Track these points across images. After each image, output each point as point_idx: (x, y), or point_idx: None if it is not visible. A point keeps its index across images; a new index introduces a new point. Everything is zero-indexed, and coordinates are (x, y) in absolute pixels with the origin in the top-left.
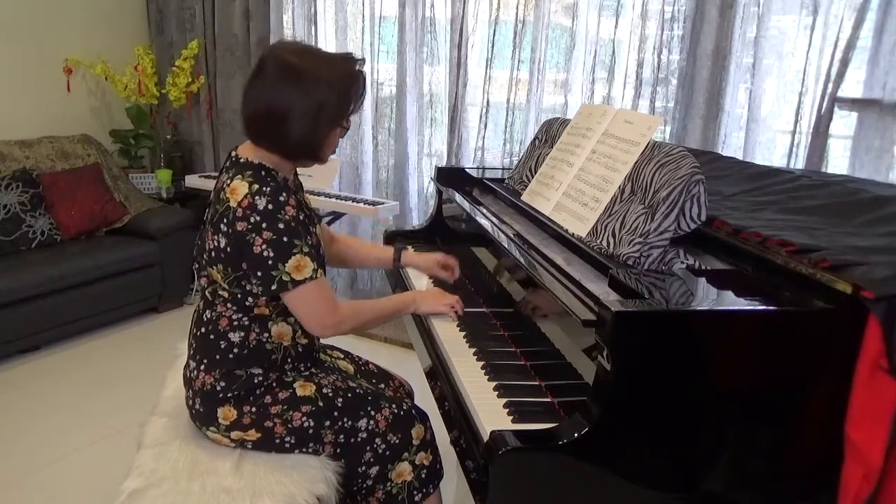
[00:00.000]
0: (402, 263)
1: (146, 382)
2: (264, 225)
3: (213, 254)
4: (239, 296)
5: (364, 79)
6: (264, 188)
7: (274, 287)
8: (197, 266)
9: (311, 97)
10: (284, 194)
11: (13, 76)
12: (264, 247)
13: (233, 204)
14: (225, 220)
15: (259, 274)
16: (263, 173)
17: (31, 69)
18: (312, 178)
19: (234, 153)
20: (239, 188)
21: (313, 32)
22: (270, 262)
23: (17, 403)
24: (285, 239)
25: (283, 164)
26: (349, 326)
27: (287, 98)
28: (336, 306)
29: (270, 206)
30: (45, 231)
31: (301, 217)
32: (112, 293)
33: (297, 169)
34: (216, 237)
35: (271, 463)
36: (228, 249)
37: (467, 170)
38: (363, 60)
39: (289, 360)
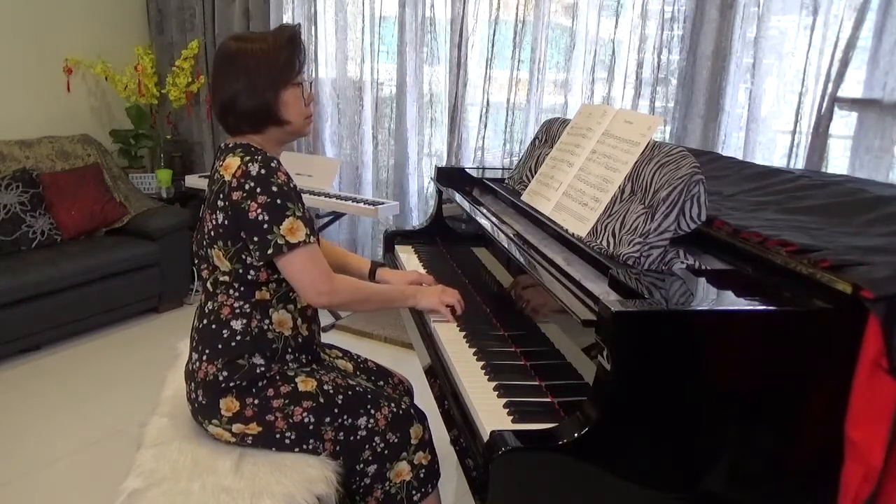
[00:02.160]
0: (378, 279)
1: (146, 382)
2: (258, 190)
3: (212, 233)
4: (240, 271)
5: (295, 37)
6: (256, 156)
7: (270, 251)
8: (197, 260)
9: (244, 69)
10: (276, 161)
11: (13, 76)
12: (259, 211)
13: (227, 178)
14: (221, 195)
15: (255, 239)
16: (253, 149)
17: (31, 69)
18: (312, 177)
19: (222, 144)
20: (232, 163)
21: (313, 32)
22: (266, 225)
23: (17, 403)
24: (279, 201)
25: (266, 144)
26: (344, 298)
27: (230, 82)
28: (331, 275)
29: (263, 171)
30: (45, 231)
31: (292, 185)
32: (112, 293)
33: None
34: (214, 215)
35: (271, 463)
36: (226, 223)
37: (467, 170)
38: (298, 25)
39: (289, 350)
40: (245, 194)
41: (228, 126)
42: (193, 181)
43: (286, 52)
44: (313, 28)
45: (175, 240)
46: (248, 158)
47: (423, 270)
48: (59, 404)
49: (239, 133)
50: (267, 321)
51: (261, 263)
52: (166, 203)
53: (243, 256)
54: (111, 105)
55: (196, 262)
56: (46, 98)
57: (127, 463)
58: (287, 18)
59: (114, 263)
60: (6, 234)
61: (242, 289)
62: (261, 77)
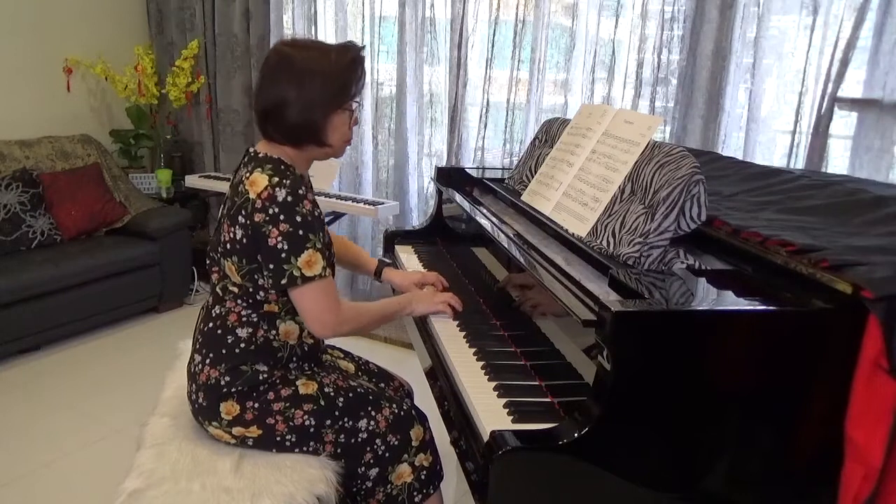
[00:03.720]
0: (383, 279)
1: (146, 382)
2: (282, 217)
3: (228, 246)
4: (250, 289)
5: (361, 62)
6: (284, 180)
7: (284, 281)
8: (209, 262)
9: (301, 82)
10: (303, 188)
11: (13, 76)
12: (279, 239)
13: (252, 196)
14: (243, 212)
15: (271, 266)
16: (283, 167)
17: (31, 69)
18: (313, 177)
19: (251, 150)
20: (259, 180)
21: (313, 32)
22: (284, 254)
23: (17, 403)
24: (300, 232)
25: (298, 160)
26: (350, 328)
27: (281, 88)
28: (339, 307)
29: (290, 199)
30: (45, 231)
31: (317, 213)
32: (112, 293)
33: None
34: (233, 229)
35: (271, 463)
36: (244, 241)
37: (467, 170)
38: (363, 47)
39: (294, 359)
40: (268, 218)
41: (265, 131)
42: (193, 181)
43: (347, 73)
44: (313, 28)
45: (175, 240)
46: (276, 181)
47: (423, 270)
48: (59, 404)
49: (272, 140)
50: (273, 332)
51: (273, 291)
52: (166, 203)
53: (255, 277)
54: (111, 105)
55: (208, 262)
56: (46, 98)
57: (127, 463)
58: (287, 19)
59: (114, 263)
60: (6, 234)
61: (251, 301)
62: (315, 94)
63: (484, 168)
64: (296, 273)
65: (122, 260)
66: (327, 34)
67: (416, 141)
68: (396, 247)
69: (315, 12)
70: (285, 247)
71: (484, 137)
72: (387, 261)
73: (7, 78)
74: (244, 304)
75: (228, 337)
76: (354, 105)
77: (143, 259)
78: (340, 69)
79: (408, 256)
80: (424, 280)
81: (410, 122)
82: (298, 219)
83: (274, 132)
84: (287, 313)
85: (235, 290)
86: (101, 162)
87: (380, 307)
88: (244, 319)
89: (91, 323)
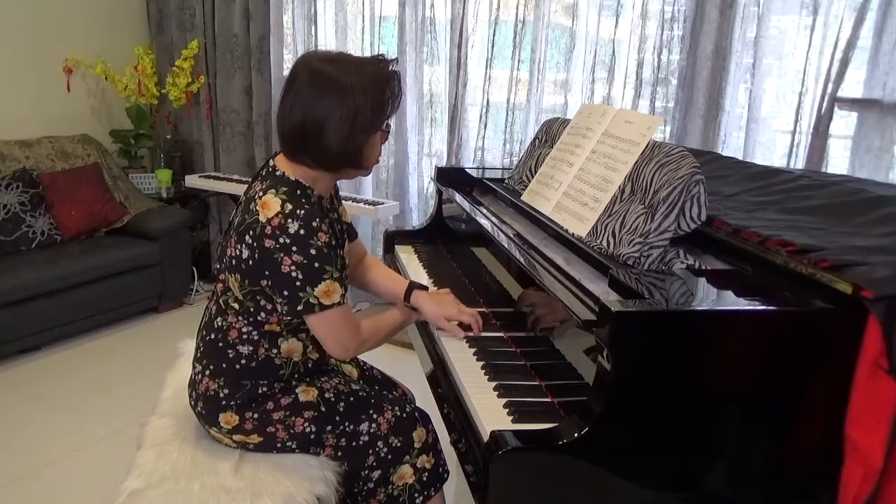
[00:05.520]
0: (411, 303)
1: (146, 382)
2: (294, 248)
3: (233, 262)
4: (251, 309)
5: (398, 78)
6: (298, 210)
7: (300, 308)
8: (219, 267)
9: (344, 105)
10: (318, 219)
11: (13, 76)
12: (293, 268)
13: (262, 219)
14: (251, 233)
15: (285, 293)
16: (299, 192)
17: (31, 69)
18: None
19: (272, 162)
20: (271, 204)
21: (313, 32)
22: (299, 283)
23: (17, 403)
24: (316, 265)
25: (323, 179)
26: (370, 346)
27: (320, 108)
28: (359, 329)
29: (302, 232)
30: (45, 231)
31: (332, 242)
32: (112, 293)
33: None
34: (239, 246)
35: (271, 463)
36: (250, 262)
37: (467, 170)
38: (396, 60)
39: (297, 374)
40: (279, 246)
41: (293, 150)
42: (193, 181)
43: (389, 91)
44: (313, 28)
45: (175, 240)
46: (289, 209)
47: (423, 270)
48: (59, 404)
49: (294, 159)
50: (275, 350)
51: (288, 318)
52: (166, 203)
53: (258, 298)
54: (111, 105)
55: (217, 267)
56: (46, 98)
57: (127, 463)
58: (287, 19)
59: (114, 263)
60: (6, 234)
61: (251, 319)
62: (361, 116)
63: (484, 168)
64: (313, 301)
65: (122, 260)
66: (327, 34)
67: (416, 141)
68: (396, 247)
69: (315, 12)
70: (300, 276)
71: (484, 137)
72: (419, 284)
73: (7, 78)
74: (245, 321)
75: (229, 352)
76: (386, 124)
77: (143, 259)
78: (382, 85)
79: (408, 256)
80: (460, 318)
81: (410, 122)
82: (313, 252)
83: (308, 157)
84: (290, 332)
85: (236, 306)
86: (101, 162)
87: (391, 319)
88: (245, 336)
89: (91, 323)
